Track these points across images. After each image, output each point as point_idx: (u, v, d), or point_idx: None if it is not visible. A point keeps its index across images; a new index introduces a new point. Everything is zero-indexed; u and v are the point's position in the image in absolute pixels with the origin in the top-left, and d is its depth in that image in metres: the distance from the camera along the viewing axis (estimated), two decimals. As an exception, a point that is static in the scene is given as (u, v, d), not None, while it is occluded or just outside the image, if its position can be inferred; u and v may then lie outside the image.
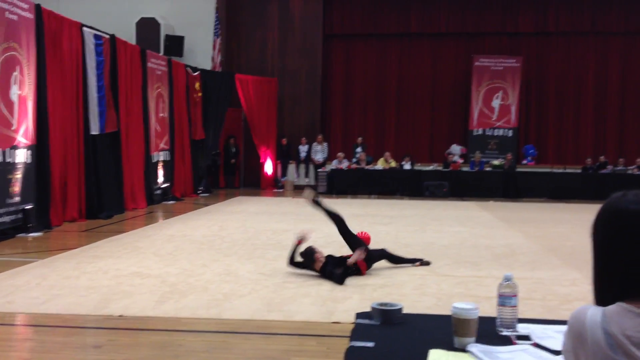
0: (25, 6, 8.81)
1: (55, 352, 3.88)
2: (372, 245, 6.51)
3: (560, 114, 18.67)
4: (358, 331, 3.15)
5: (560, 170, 16.90)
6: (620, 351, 1.33)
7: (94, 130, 10.73)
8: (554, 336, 2.72)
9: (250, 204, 13.52)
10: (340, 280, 5.65)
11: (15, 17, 8.54)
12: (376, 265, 6.33)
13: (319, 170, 17.05)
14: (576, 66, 18.56)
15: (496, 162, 16.92)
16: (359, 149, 17.40)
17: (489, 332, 2.86)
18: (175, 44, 16.89)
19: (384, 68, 19.06)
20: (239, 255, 7.20)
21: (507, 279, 2.92)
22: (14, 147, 8.57)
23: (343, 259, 6.08)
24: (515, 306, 2.90)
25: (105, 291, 5.36)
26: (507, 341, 2.76)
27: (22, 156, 8.75)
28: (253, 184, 17.89)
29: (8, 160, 8.43)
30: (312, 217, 11.01)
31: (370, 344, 2.86)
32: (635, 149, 17.65)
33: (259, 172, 17.88)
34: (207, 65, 16.94)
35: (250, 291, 5.43)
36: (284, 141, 17.86)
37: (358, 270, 6.05)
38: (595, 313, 1.39)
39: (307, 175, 18.08)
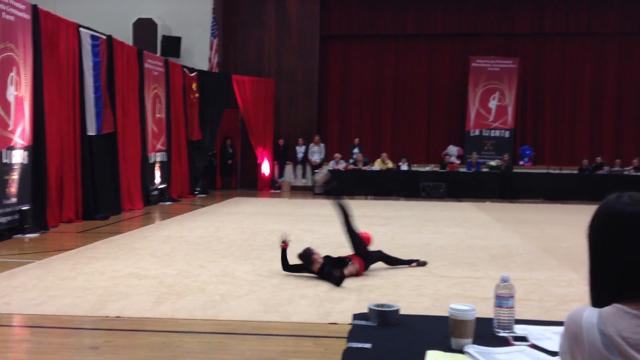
0: (22, 7, 8.80)
1: (52, 354, 3.87)
2: (370, 247, 6.53)
3: (557, 115, 18.71)
4: (355, 332, 3.15)
5: (557, 171, 16.92)
6: (617, 352, 1.34)
7: (91, 131, 10.72)
8: (551, 337, 2.73)
9: (247, 204, 13.51)
10: (338, 282, 5.65)
11: (12, 18, 8.53)
12: (373, 266, 6.35)
13: (316, 171, 17.04)
14: (572, 67, 18.61)
15: (493, 163, 16.95)
16: (356, 150, 17.41)
17: (486, 333, 2.86)
18: (172, 45, 16.88)
19: (380, 69, 19.07)
20: (236, 256, 7.20)
21: (504, 280, 2.92)
22: (11, 148, 8.56)
23: (341, 259, 6.09)
24: (512, 307, 2.91)
25: (102, 292, 5.35)
26: (504, 342, 2.76)
27: (18, 157, 8.74)
28: (250, 184, 17.88)
29: (5, 161, 8.41)
30: (309, 218, 11.03)
31: (367, 345, 2.86)
32: (632, 149, 17.69)
33: (256, 173, 17.87)
34: (204, 66, 16.93)
35: (248, 292, 5.43)
36: (281, 142, 17.86)
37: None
38: (591, 314, 1.40)
39: (304, 176, 18.08)
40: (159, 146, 13.74)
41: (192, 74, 15.78)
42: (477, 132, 18.22)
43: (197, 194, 15.58)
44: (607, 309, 1.39)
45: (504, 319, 2.89)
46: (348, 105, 19.20)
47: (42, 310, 4.78)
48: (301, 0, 18.36)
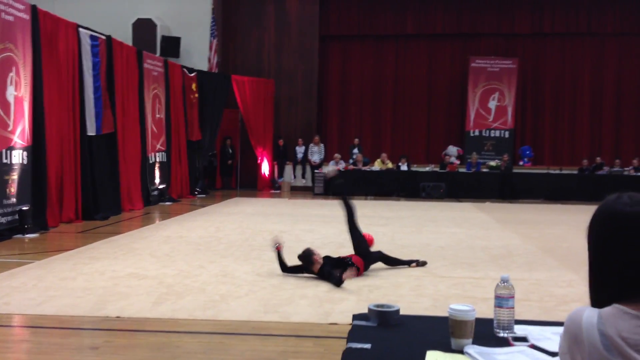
0: (21, 7, 8.79)
1: (52, 354, 3.87)
2: (371, 249, 6.54)
3: (557, 115, 18.71)
4: (355, 332, 3.15)
5: (557, 172, 16.93)
6: (616, 352, 1.33)
7: (91, 131, 10.72)
8: (552, 337, 2.73)
9: (247, 205, 13.51)
10: (338, 282, 5.65)
11: (11, 18, 8.53)
12: (373, 266, 6.35)
13: (316, 171, 17.05)
14: (572, 67, 18.61)
15: (492, 163, 16.96)
16: (355, 150, 17.41)
17: (486, 333, 2.86)
18: (172, 45, 16.88)
19: (380, 69, 19.07)
20: (236, 257, 7.20)
21: (504, 280, 2.92)
22: (10, 148, 8.56)
23: (341, 259, 6.09)
24: (512, 307, 2.90)
25: (101, 292, 5.35)
26: (504, 342, 2.76)
27: (18, 157, 8.74)
28: (250, 185, 17.88)
29: (4, 161, 8.41)
30: (309, 218, 11.02)
31: (367, 346, 2.85)
32: (632, 150, 17.70)
33: (255, 173, 17.87)
34: (204, 66, 16.93)
35: (247, 292, 5.43)
36: (281, 142, 17.86)
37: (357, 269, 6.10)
38: (591, 315, 1.40)
39: (303, 176, 18.08)
40: (158, 146, 13.74)
41: (192, 74, 15.78)
42: (476, 133, 18.23)
43: (197, 194, 15.58)
44: (607, 309, 1.39)
45: (504, 319, 2.88)
46: (348, 106, 19.20)
47: (42, 311, 4.78)
48: (301, 1, 18.36)
